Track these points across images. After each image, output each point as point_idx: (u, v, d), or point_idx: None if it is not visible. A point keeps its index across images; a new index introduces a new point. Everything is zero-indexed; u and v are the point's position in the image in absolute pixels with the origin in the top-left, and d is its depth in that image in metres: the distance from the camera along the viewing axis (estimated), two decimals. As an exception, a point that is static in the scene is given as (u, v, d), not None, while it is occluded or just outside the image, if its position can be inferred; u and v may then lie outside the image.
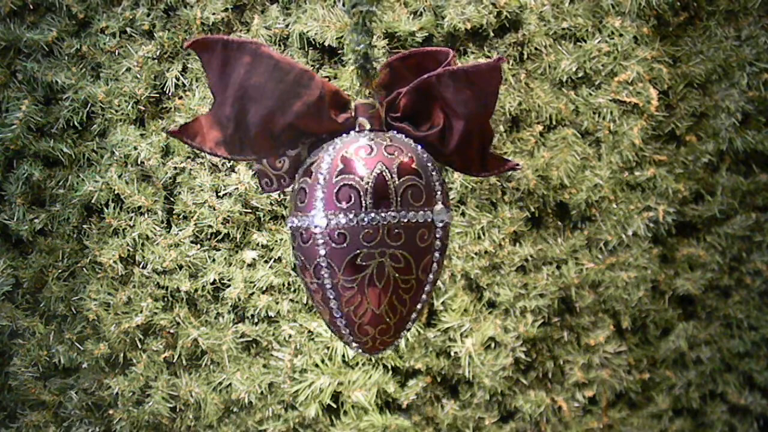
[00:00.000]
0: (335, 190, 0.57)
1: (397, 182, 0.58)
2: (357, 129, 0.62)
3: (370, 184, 0.57)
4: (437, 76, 0.61)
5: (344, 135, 0.61)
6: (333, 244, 0.57)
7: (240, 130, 0.60)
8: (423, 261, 0.60)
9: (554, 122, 0.98)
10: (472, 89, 0.61)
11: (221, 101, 0.60)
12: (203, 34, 0.58)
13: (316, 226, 0.57)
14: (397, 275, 0.59)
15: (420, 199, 0.59)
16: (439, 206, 0.60)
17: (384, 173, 0.58)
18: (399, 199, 0.58)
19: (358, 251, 0.57)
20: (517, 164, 0.69)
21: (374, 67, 0.61)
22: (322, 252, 0.57)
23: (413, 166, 0.59)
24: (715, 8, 0.98)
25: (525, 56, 0.97)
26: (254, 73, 0.58)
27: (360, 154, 0.58)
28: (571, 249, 1.00)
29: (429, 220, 0.60)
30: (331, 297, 0.59)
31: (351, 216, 0.56)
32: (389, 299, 0.59)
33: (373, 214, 0.57)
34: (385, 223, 0.57)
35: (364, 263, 0.57)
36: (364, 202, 0.57)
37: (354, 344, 0.62)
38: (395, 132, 0.63)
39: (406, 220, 0.58)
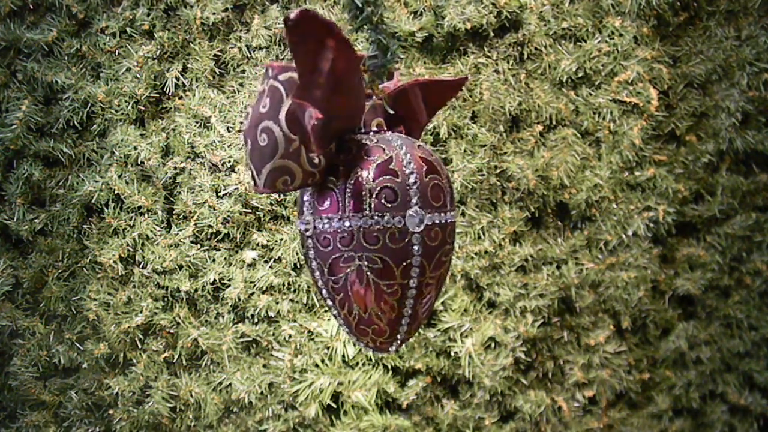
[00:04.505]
0: (428, 190, 0.57)
1: (450, 183, 0.61)
2: (375, 129, 0.61)
3: (448, 184, 0.59)
4: (411, 86, 0.63)
5: (388, 134, 0.60)
6: (429, 243, 0.57)
7: (328, 121, 0.55)
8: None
9: (554, 122, 0.98)
10: (434, 100, 0.65)
11: (309, 84, 0.54)
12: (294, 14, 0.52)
13: (417, 226, 0.56)
14: (449, 268, 0.62)
15: (453, 199, 0.62)
16: None
17: (448, 174, 0.60)
18: (453, 199, 0.61)
19: (443, 248, 0.59)
20: None
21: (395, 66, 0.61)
22: (419, 251, 0.57)
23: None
24: (715, 8, 0.98)
25: (525, 56, 0.97)
26: (339, 60, 0.54)
27: (428, 154, 0.59)
28: (571, 249, 1.00)
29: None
30: (411, 296, 0.58)
31: (442, 215, 0.58)
32: (440, 291, 0.62)
33: (452, 213, 0.59)
34: (453, 221, 0.60)
35: (444, 259, 0.59)
36: (447, 201, 0.59)
37: (398, 344, 0.61)
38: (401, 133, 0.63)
39: (456, 219, 0.61)
